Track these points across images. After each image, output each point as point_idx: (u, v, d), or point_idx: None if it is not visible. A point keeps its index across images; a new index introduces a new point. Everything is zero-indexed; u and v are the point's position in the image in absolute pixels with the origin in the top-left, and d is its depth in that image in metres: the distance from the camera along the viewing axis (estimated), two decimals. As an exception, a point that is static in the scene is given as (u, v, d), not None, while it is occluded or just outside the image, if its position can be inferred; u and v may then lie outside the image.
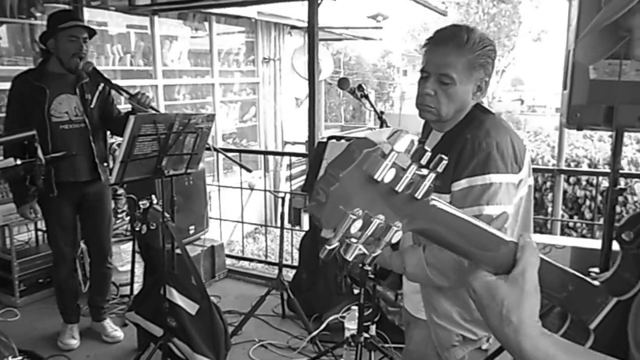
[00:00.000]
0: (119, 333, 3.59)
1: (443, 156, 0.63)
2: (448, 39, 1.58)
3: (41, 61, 3.19)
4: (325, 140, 3.00)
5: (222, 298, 4.11)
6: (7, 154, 2.57)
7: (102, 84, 3.20)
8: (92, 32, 3.17)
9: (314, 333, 3.41)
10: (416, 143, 0.60)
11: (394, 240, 0.61)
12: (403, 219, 0.62)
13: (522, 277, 0.70)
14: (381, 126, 3.41)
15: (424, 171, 0.61)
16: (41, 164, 2.25)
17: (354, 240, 0.59)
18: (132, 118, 2.48)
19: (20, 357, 1.62)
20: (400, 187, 0.60)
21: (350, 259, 0.59)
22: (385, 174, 0.60)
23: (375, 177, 0.59)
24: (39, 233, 4.42)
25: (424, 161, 0.61)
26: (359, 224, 0.58)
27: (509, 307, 0.69)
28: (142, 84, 6.37)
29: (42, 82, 3.07)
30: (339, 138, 3.02)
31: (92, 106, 3.18)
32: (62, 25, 3.03)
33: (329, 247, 0.60)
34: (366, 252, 0.61)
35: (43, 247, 4.19)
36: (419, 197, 0.62)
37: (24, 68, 3.19)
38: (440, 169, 0.62)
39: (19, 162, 2.17)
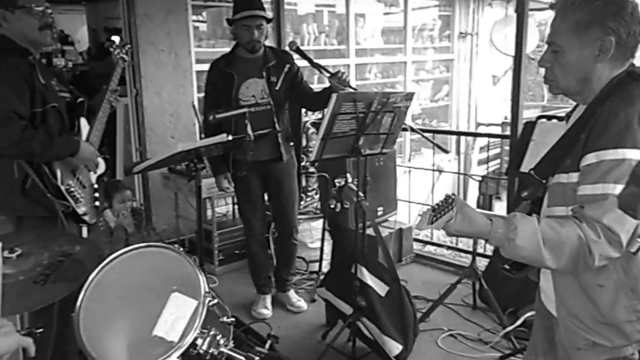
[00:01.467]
0: (302, 303, 3.82)
1: None
2: (556, 3, 1.50)
3: (233, 46, 3.48)
4: (533, 120, 2.83)
5: (409, 282, 4.13)
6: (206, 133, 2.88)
7: (287, 66, 3.40)
8: (269, 18, 3.35)
9: (509, 328, 3.28)
10: None
11: None
12: None
13: None
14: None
15: None
16: (250, 140, 2.48)
17: None
18: (334, 96, 2.57)
19: (233, 319, 1.81)
20: None
21: None
22: None
23: None
24: (235, 207, 4.83)
25: None
26: None
27: None
28: (334, 64, 6.59)
29: (231, 68, 3.36)
30: (549, 117, 2.82)
31: (277, 88, 3.38)
32: (236, 15, 3.27)
33: None
34: None
35: (238, 220, 4.52)
36: None
37: (220, 50, 3.52)
38: None
39: (230, 137, 2.39)
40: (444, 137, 8.29)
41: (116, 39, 2.95)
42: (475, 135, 8.67)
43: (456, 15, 8.31)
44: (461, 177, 8.03)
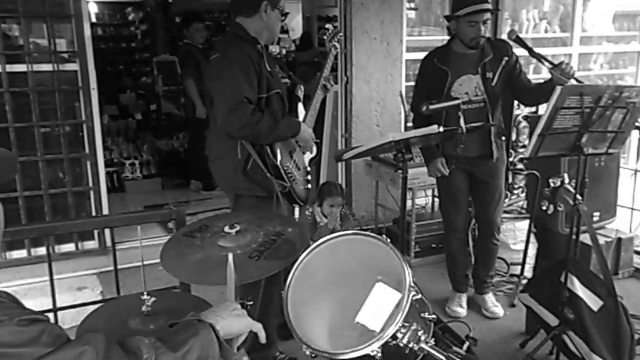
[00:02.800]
0: (498, 310, 3.67)
1: None
2: None
3: (448, 40, 3.42)
4: None
5: (626, 299, 3.73)
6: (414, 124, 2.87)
7: (505, 58, 3.26)
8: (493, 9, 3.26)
9: None
10: None
11: None
12: None
13: None
14: None
15: None
16: (462, 133, 2.42)
17: None
18: (558, 89, 2.41)
19: (434, 316, 1.80)
20: None
21: None
22: None
23: None
24: (435, 200, 4.78)
25: None
26: None
27: None
28: (553, 53, 6.16)
29: (445, 64, 3.30)
30: None
31: (493, 84, 3.26)
32: (460, 11, 3.16)
33: None
34: None
35: (437, 213, 4.50)
36: None
37: (429, 39, 3.46)
38: None
39: (441, 129, 2.36)
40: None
41: (329, 27, 3.08)
42: None
43: None
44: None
